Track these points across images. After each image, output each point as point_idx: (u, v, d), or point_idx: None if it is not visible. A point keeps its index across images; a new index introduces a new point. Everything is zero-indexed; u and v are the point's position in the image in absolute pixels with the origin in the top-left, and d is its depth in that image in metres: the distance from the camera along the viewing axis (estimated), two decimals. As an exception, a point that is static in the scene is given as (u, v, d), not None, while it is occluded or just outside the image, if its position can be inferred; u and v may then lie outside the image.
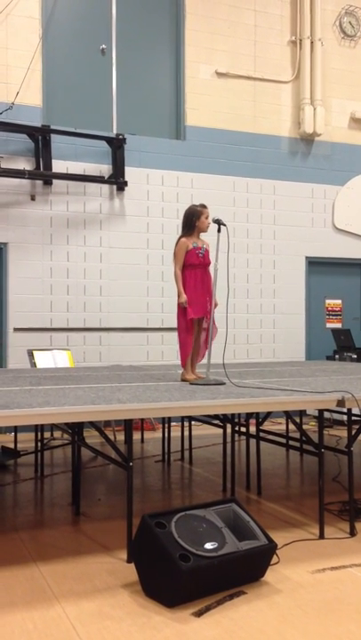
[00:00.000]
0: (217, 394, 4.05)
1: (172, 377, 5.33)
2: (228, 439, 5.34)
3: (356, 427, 4.24)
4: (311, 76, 9.57)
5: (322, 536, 3.99)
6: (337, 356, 8.98)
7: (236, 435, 5.33)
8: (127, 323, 8.65)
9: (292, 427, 6.68)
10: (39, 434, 6.07)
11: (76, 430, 4.74)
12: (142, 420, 7.57)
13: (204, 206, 5.03)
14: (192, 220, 4.98)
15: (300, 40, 9.57)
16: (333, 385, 4.49)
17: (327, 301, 9.98)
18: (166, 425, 6.42)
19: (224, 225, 4.71)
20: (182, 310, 4.91)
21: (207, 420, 5.82)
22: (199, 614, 2.93)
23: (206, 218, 4.97)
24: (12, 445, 6.67)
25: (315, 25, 9.58)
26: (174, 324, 5.17)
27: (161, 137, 8.98)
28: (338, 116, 9.88)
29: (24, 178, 8.09)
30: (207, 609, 2.98)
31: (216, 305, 4.93)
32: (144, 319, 8.74)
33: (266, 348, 9.41)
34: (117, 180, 8.55)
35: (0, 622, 2.86)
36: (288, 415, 5.05)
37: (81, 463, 5.09)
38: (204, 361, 4.93)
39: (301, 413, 6.65)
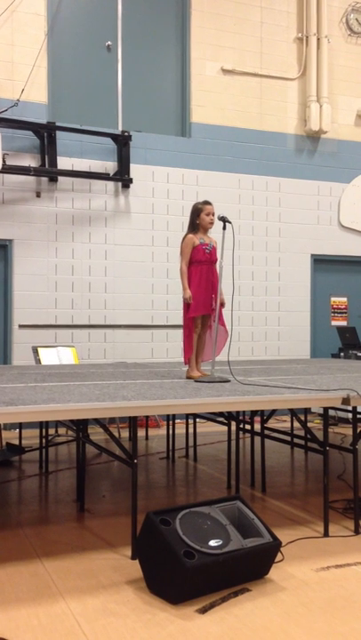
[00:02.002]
0: (222, 391, 4.04)
1: (177, 374, 5.33)
2: (233, 436, 5.35)
3: (362, 425, 4.23)
4: (317, 73, 9.54)
5: (326, 534, 3.98)
6: (342, 354, 8.96)
7: (241, 432, 5.33)
8: (132, 320, 8.66)
9: (296, 424, 6.70)
10: (44, 430, 6.08)
11: (80, 427, 4.75)
12: (147, 417, 7.57)
13: (206, 203, 4.99)
14: (194, 218, 4.97)
15: (307, 37, 9.55)
16: (338, 383, 4.48)
17: (332, 299, 9.96)
18: (171, 422, 6.42)
19: (229, 222, 4.70)
20: (186, 307, 4.91)
21: (212, 417, 5.82)
22: (203, 611, 2.93)
23: (207, 215, 4.93)
24: (16, 442, 6.69)
25: (321, 22, 9.55)
26: (179, 321, 5.17)
27: (166, 134, 8.97)
28: (344, 114, 9.85)
29: (29, 174, 8.10)
30: (211, 606, 2.98)
31: (223, 304, 4.89)
32: (149, 316, 8.74)
33: (271, 345, 9.40)
34: (123, 177, 8.54)
35: (5, 618, 2.86)
36: (293, 413, 5.05)
37: (85, 460, 5.10)
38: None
39: (306, 411, 6.64)
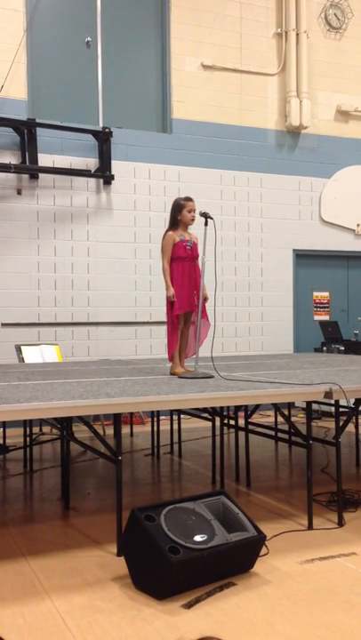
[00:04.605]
0: (205, 387, 4.05)
1: (161, 371, 5.33)
2: (217, 432, 5.36)
3: (344, 418, 4.27)
4: (297, 68, 9.56)
5: (310, 527, 4.02)
6: (325, 348, 9.02)
7: (225, 427, 5.35)
8: (115, 317, 8.64)
9: (280, 419, 6.73)
10: (28, 429, 6.06)
11: (64, 425, 4.74)
12: (131, 413, 7.57)
13: (188, 199, 4.97)
14: (175, 214, 4.95)
15: (286, 32, 9.56)
16: (321, 377, 4.51)
17: (315, 294, 10.02)
18: (155, 418, 6.42)
19: (211, 218, 4.71)
20: (170, 304, 4.90)
21: (196, 413, 5.84)
22: (189, 606, 2.94)
23: (189, 211, 4.91)
24: (0, 441, 6.65)
25: (300, 17, 9.57)
26: (162, 317, 5.17)
27: (147, 130, 8.95)
28: (324, 109, 9.89)
29: (10, 172, 8.04)
30: (197, 600, 2.99)
31: (206, 299, 4.90)
32: (132, 313, 8.73)
33: (254, 340, 9.43)
34: (104, 174, 8.51)
35: (-10, 617, 2.86)
36: (276, 407, 5.08)
37: (70, 458, 5.09)
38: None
39: (290, 405, 6.68)
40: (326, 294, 10.07)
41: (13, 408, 3.26)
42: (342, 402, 4.04)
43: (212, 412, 5.37)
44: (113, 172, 8.56)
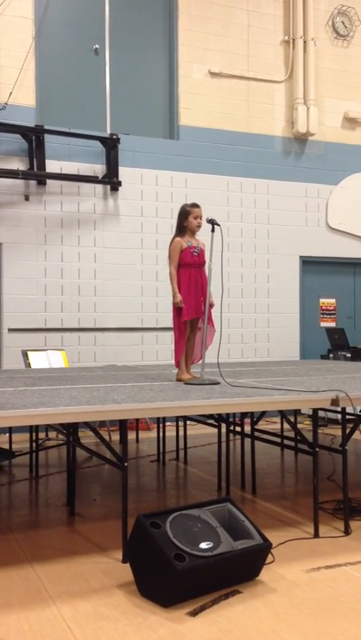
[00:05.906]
0: (211, 393, 4.05)
1: (167, 377, 5.33)
2: (223, 439, 5.35)
3: (351, 425, 4.25)
4: (304, 75, 9.58)
5: (317, 535, 4.00)
6: (331, 355, 9.00)
7: (231, 434, 5.35)
8: (122, 323, 8.65)
9: (286, 426, 6.72)
10: (34, 434, 6.07)
11: (70, 431, 4.74)
12: (137, 419, 7.57)
13: (194, 205, 4.97)
14: (181, 220, 4.96)
15: (293, 40, 9.58)
16: (328, 384, 4.50)
17: (321, 300, 10.00)
18: (161, 425, 6.42)
19: (218, 225, 4.71)
20: (176, 311, 4.91)
21: (202, 419, 5.83)
22: (195, 614, 2.93)
23: (195, 218, 4.92)
24: (6, 446, 6.66)
25: (308, 25, 9.60)
26: (169, 323, 5.17)
27: (155, 137, 8.98)
28: (331, 116, 9.90)
29: (18, 178, 8.08)
30: (202, 608, 2.99)
31: (212, 305, 4.91)
32: (138, 319, 8.74)
33: (260, 347, 9.42)
34: (111, 180, 8.54)
35: (-5, 623, 2.85)
36: (283, 414, 5.07)
37: (76, 463, 5.09)
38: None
39: (296, 412, 6.66)
40: (333, 301, 10.06)
41: (20, 413, 3.26)
42: (349, 409, 4.03)
43: (218, 419, 5.36)
44: (120, 179, 8.60)
